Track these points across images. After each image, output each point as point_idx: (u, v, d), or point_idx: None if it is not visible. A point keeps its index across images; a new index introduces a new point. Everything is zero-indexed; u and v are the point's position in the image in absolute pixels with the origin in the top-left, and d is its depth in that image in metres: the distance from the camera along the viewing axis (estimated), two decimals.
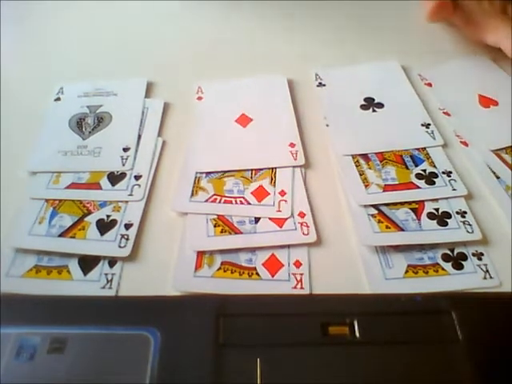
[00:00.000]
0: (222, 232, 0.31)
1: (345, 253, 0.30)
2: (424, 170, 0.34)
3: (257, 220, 0.32)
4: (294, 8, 0.51)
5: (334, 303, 0.27)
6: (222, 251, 0.30)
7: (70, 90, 0.41)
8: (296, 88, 0.42)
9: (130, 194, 0.33)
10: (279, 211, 0.32)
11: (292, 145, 0.36)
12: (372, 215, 0.32)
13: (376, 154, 0.36)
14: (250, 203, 0.32)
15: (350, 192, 0.33)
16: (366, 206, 0.32)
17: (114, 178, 0.34)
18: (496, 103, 0.40)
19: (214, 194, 0.33)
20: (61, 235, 0.31)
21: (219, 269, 0.29)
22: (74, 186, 0.34)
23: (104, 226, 0.31)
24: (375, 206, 0.32)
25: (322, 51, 0.46)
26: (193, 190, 0.33)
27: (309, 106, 0.40)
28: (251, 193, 0.33)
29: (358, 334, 0.25)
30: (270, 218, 0.32)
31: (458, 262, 0.29)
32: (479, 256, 0.30)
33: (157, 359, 0.24)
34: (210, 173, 0.35)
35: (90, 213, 0.32)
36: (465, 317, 0.25)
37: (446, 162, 0.35)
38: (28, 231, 0.31)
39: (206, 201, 0.33)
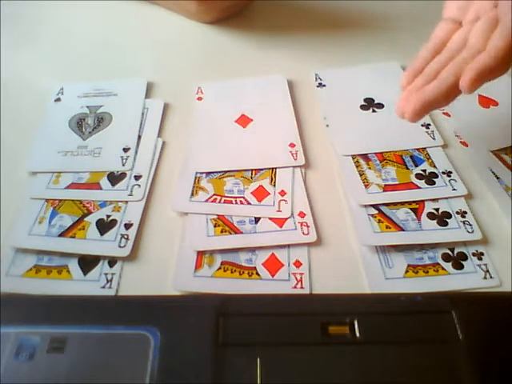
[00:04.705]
0: (222, 232, 0.31)
1: (345, 253, 0.30)
2: (424, 170, 0.34)
3: (257, 220, 0.31)
4: (295, 8, 0.51)
5: (334, 303, 0.27)
6: (222, 251, 0.30)
7: (70, 91, 0.41)
8: (296, 88, 0.42)
9: (130, 194, 0.33)
10: (279, 211, 0.32)
11: (292, 145, 0.36)
12: (372, 215, 0.32)
13: (376, 154, 0.36)
14: (250, 203, 0.32)
15: (349, 192, 0.33)
16: (366, 205, 0.32)
17: (114, 178, 0.34)
18: (496, 103, 0.40)
19: (214, 194, 0.33)
20: (61, 235, 0.31)
21: (219, 269, 0.29)
22: (74, 186, 0.34)
23: (104, 226, 0.31)
24: (375, 206, 0.32)
25: (323, 51, 0.46)
26: (193, 190, 0.33)
27: (309, 106, 0.40)
28: (251, 193, 0.33)
29: (358, 334, 0.25)
30: (270, 218, 0.32)
31: (458, 261, 0.29)
32: (479, 256, 0.30)
33: (157, 359, 0.24)
34: (210, 173, 0.35)
35: (89, 213, 0.32)
36: (465, 316, 0.25)
37: (446, 162, 0.35)
38: (28, 231, 0.31)
39: (206, 201, 0.33)
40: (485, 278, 0.29)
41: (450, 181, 0.34)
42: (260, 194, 0.33)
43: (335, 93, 0.41)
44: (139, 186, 0.34)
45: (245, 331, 0.25)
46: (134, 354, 0.24)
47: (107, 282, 0.29)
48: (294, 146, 0.36)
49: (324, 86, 0.42)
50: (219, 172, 0.35)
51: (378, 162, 0.35)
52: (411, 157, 0.35)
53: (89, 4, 0.52)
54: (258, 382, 0.23)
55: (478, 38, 0.29)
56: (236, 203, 0.32)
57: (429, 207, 0.32)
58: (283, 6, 0.51)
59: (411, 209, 0.32)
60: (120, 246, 0.30)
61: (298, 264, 0.29)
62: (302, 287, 0.28)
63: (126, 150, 0.36)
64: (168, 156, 0.36)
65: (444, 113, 0.39)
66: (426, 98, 0.28)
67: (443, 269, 0.29)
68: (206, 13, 0.48)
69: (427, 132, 0.37)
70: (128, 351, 0.24)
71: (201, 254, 0.30)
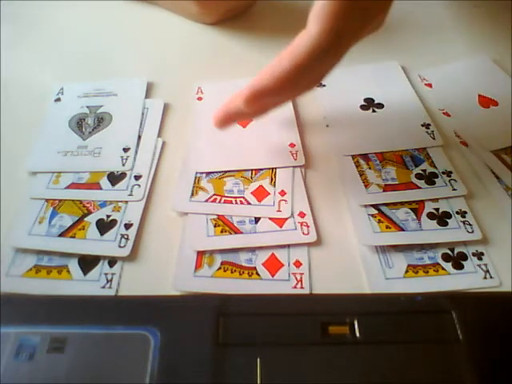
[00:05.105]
0: (222, 232, 0.31)
1: (345, 253, 0.30)
2: (424, 170, 0.34)
3: (257, 220, 0.31)
4: (296, 9, 0.51)
5: (334, 303, 0.27)
6: (221, 251, 0.30)
7: (70, 91, 0.41)
8: None
9: (130, 194, 0.33)
10: (279, 211, 0.32)
11: (292, 145, 0.36)
12: (372, 215, 0.32)
13: (376, 154, 0.36)
14: (250, 203, 0.32)
15: (349, 192, 0.33)
16: (366, 205, 0.32)
17: (114, 178, 0.34)
18: (496, 103, 0.40)
19: (214, 194, 0.33)
20: (61, 235, 0.31)
21: (219, 268, 0.29)
22: (74, 186, 0.34)
23: (104, 226, 0.31)
24: (375, 206, 0.32)
25: None
26: (193, 190, 0.33)
27: (309, 106, 0.40)
28: (251, 193, 0.33)
29: (358, 334, 0.25)
30: (270, 218, 0.32)
31: (458, 261, 0.29)
32: (479, 256, 0.30)
33: (157, 359, 0.24)
34: (210, 173, 0.35)
35: (89, 213, 0.32)
36: (465, 316, 0.25)
37: (445, 162, 0.35)
38: (28, 231, 0.31)
39: (206, 201, 0.33)
40: (485, 277, 0.29)
41: (450, 181, 0.34)
42: (260, 193, 0.33)
43: (335, 93, 0.41)
44: (139, 186, 0.34)
45: (245, 331, 0.25)
46: (134, 353, 0.24)
47: (107, 281, 0.29)
48: (294, 145, 0.36)
49: (324, 86, 0.42)
50: (219, 172, 0.35)
51: (377, 162, 0.35)
52: (411, 157, 0.35)
53: (89, 4, 0.51)
54: (258, 382, 0.23)
55: None
56: (236, 203, 0.32)
57: (429, 207, 0.32)
58: (284, 7, 0.51)
59: (411, 209, 0.32)
60: (120, 246, 0.30)
61: (298, 264, 0.29)
62: (302, 287, 0.28)
63: (125, 150, 0.36)
64: (168, 156, 0.36)
65: (444, 113, 0.39)
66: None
67: (443, 269, 0.29)
68: (207, 15, 0.48)
69: (427, 132, 0.37)
70: (128, 351, 0.24)
71: (201, 254, 0.30)
